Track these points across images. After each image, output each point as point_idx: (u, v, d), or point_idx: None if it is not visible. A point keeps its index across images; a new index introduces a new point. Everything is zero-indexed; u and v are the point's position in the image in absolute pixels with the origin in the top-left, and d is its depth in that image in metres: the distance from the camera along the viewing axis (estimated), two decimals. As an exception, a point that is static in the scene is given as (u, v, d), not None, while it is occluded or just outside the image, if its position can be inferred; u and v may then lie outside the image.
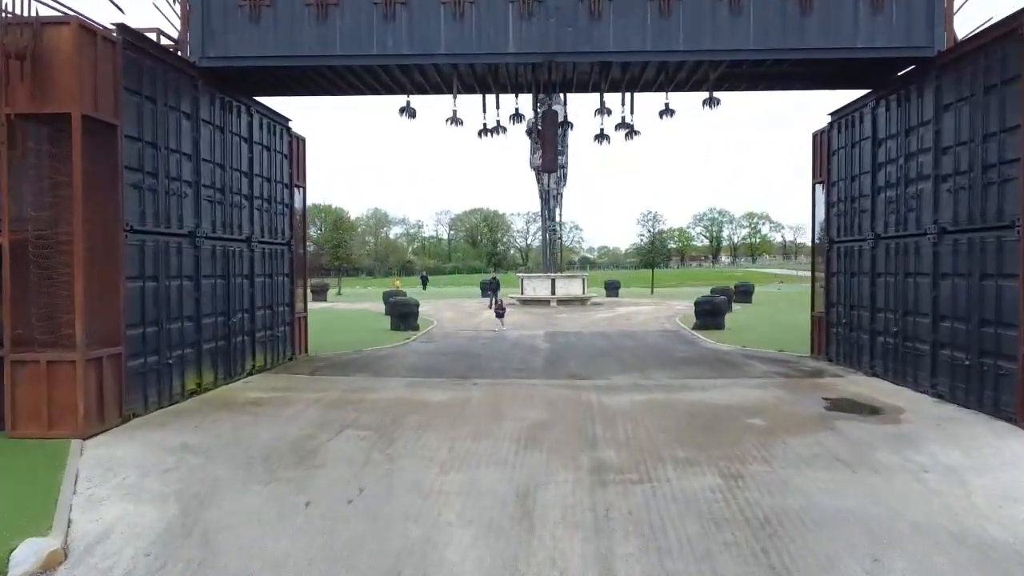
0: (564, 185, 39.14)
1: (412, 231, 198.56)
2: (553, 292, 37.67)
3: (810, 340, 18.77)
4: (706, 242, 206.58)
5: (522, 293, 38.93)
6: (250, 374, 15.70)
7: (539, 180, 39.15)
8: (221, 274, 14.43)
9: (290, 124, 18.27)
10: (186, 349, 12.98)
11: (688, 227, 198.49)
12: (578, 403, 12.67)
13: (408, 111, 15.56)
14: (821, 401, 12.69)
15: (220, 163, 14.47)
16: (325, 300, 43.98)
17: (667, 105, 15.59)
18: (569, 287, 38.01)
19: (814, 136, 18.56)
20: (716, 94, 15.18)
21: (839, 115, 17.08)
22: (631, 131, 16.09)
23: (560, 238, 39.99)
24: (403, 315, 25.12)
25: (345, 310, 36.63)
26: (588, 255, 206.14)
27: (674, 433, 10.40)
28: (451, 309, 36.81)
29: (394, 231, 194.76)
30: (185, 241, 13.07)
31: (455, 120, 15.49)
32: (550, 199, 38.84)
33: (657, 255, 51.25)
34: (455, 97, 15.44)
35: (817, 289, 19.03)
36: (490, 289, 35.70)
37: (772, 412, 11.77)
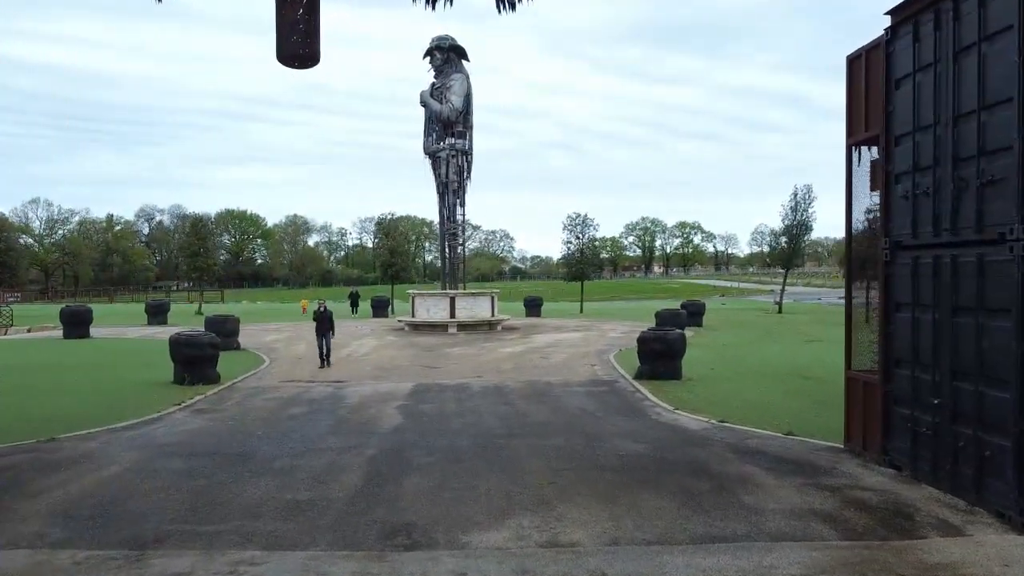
0: (468, 177, 30.65)
1: (335, 239, 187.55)
2: (452, 315, 29.04)
3: (845, 419, 10.66)
4: (639, 252, 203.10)
5: (413, 316, 30.14)
6: None
7: (435, 169, 30.48)
8: None
9: None
10: None
11: (620, 236, 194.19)
12: None
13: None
14: None
15: None
16: (165, 323, 34.17)
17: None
18: (474, 308, 29.47)
19: (851, 63, 10.51)
20: None
21: (915, 9, 9.02)
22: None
23: (463, 244, 31.50)
24: (190, 363, 16.05)
25: (151, 340, 27.04)
26: (520, 265, 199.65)
27: None
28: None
29: (314, 239, 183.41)
30: None
31: None
32: (448, 193, 30.23)
33: (587, 266, 43.14)
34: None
35: (858, 326, 10.96)
36: (321, 330, 19.98)
37: None
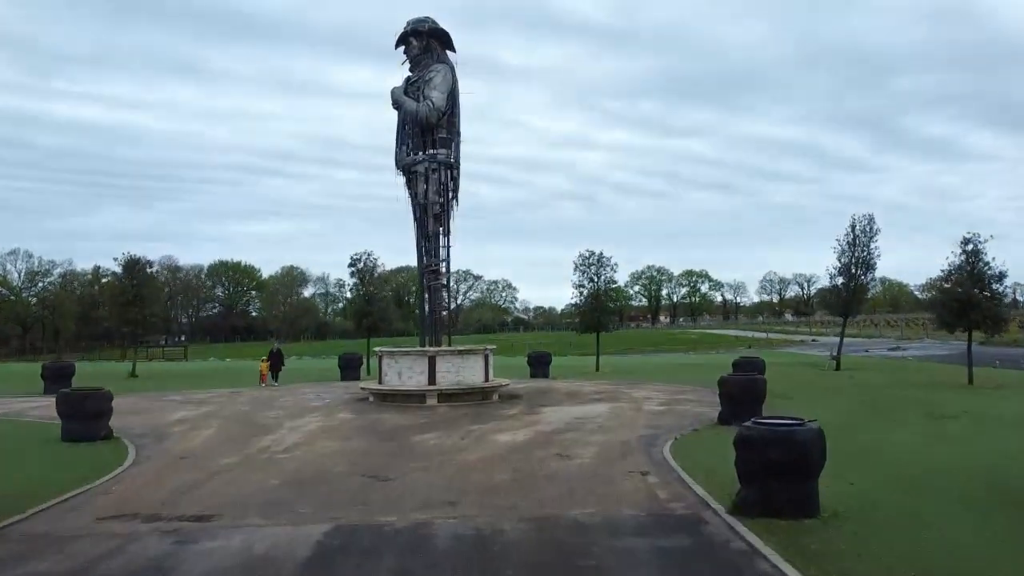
0: (455, 198, 23.44)
1: (333, 291, 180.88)
2: (432, 380, 21.49)
3: None
4: (644, 302, 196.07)
5: (380, 381, 22.59)
6: None
7: (410, 188, 23.29)
8: None
9: None
10: None
11: (626, 286, 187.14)
12: None
13: None
14: None
15: None
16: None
17: None
18: (461, 370, 21.90)
19: None
20: None
21: None
22: None
23: (447, 285, 24.05)
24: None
25: (4, 422, 19.52)
26: (523, 316, 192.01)
27: None
28: (249, 416, 20.31)
29: (310, 290, 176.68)
30: None
31: None
32: (428, 219, 23.02)
33: (604, 315, 35.66)
34: None
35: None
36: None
37: None
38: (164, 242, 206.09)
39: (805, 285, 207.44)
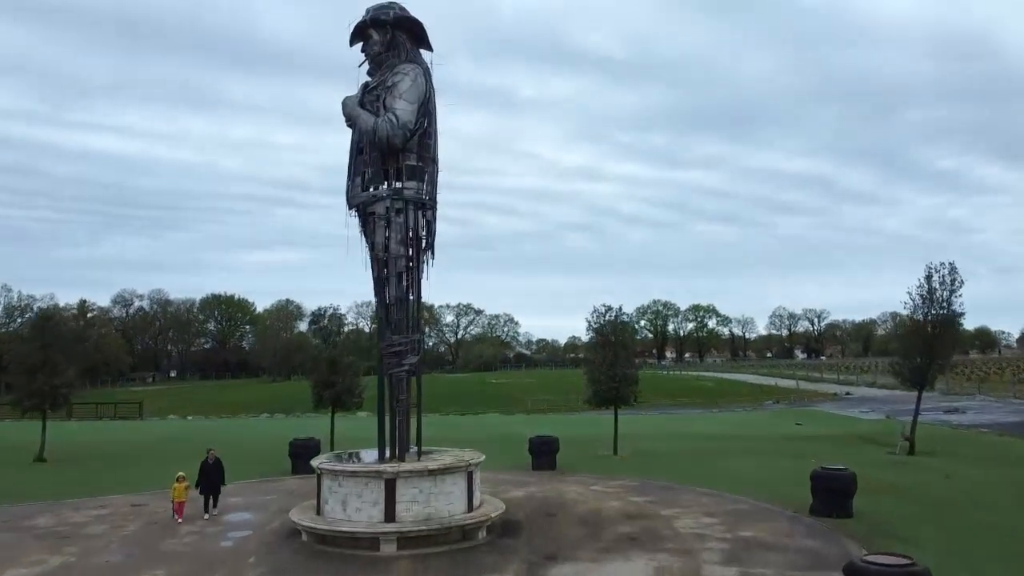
0: (429, 248, 16.92)
1: (330, 325, 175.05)
2: (390, 514, 14.79)
3: None
4: (650, 336, 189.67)
5: (319, 512, 15.87)
6: None
7: (366, 235, 16.74)
8: None
9: None
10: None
11: (631, 320, 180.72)
12: None
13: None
14: None
15: None
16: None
17: None
18: (433, 498, 15.19)
19: None
20: None
21: None
22: None
23: (414, 369, 17.26)
24: None
25: None
26: (524, 351, 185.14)
27: None
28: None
29: (306, 325, 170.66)
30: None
31: None
32: (389, 280, 16.44)
33: (623, 385, 28.89)
34: None
35: None
36: None
37: None
38: (172, 273, 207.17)
39: (816, 321, 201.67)
